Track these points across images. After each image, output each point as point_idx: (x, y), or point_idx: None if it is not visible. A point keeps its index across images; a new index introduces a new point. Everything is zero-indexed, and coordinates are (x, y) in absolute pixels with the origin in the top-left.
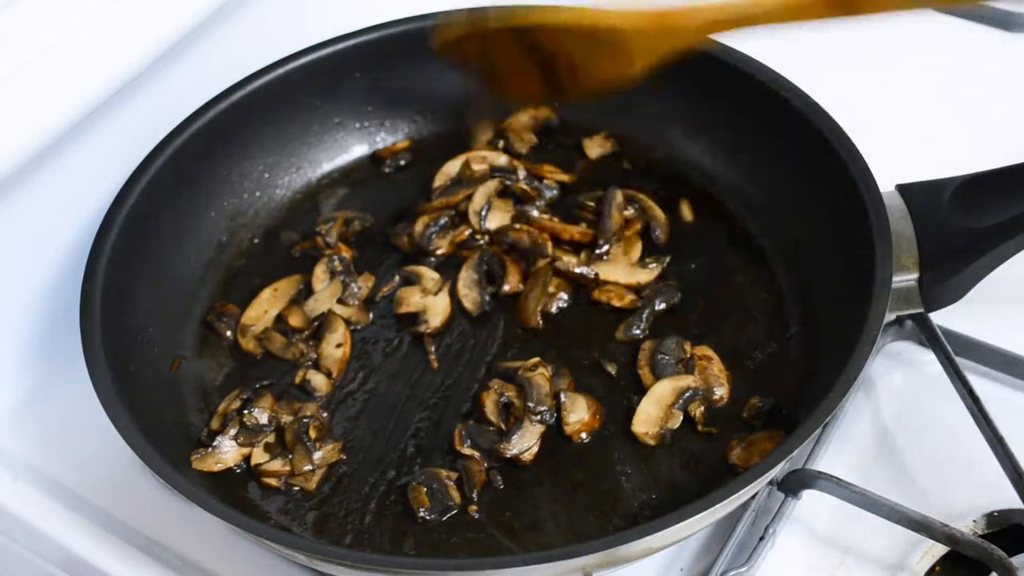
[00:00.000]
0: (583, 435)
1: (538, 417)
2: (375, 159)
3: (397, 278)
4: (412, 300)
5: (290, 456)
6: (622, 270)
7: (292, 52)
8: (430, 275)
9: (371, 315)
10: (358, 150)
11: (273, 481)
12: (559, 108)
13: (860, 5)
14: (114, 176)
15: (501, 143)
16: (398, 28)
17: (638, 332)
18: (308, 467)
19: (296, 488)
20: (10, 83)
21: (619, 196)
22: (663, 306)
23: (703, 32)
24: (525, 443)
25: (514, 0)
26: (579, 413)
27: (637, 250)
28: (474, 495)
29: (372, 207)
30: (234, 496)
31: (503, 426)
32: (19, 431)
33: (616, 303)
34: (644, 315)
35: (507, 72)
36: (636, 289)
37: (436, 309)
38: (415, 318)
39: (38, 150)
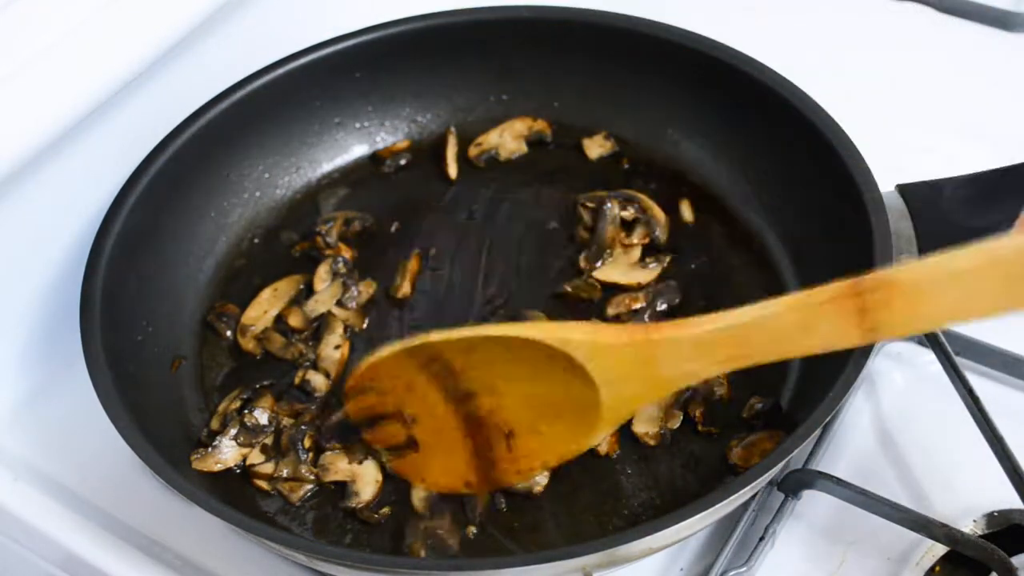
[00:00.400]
0: (609, 451)
1: None
2: (375, 159)
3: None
4: (337, 466)
5: (282, 461)
6: (621, 271)
7: (292, 52)
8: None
9: (367, 321)
10: (358, 150)
11: (263, 484)
12: (557, 111)
13: (892, 318)
14: (114, 176)
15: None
16: (398, 28)
17: None
18: (296, 477)
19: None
20: (10, 83)
21: (615, 209)
22: (664, 306)
23: (695, 363)
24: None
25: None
26: None
27: (637, 250)
28: (476, 516)
29: (372, 207)
30: (234, 496)
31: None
32: (19, 431)
33: (624, 308)
34: (646, 316)
35: (426, 434)
36: (636, 289)
37: (367, 479)
38: (344, 489)
39: (38, 150)
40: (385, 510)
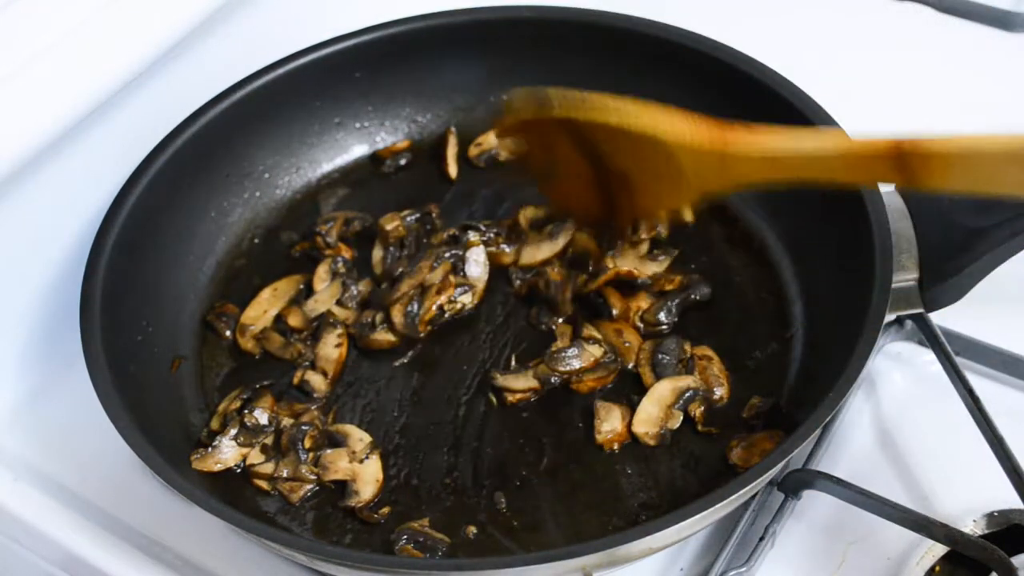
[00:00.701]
0: (615, 446)
1: (549, 375)
2: (375, 159)
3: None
4: (337, 465)
5: (282, 461)
6: (632, 264)
7: (292, 52)
8: (358, 436)
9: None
10: (358, 150)
11: (264, 484)
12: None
13: (926, 178)
14: (114, 176)
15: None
16: (398, 28)
17: (664, 319)
18: (296, 477)
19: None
20: (10, 83)
21: None
22: (696, 298)
23: (759, 173)
24: (518, 384)
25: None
26: (612, 423)
27: (645, 244)
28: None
29: (372, 207)
30: (234, 496)
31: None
32: (19, 431)
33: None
34: (674, 304)
35: (566, 177)
36: (651, 280)
37: (367, 477)
38: (343, 488)
39: (38, 150)
40: (385, 510)
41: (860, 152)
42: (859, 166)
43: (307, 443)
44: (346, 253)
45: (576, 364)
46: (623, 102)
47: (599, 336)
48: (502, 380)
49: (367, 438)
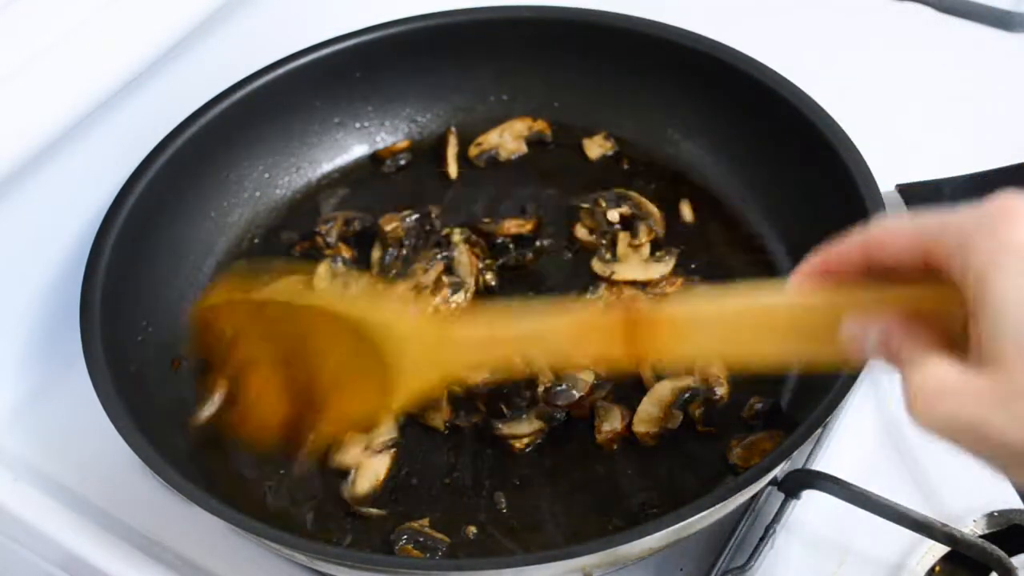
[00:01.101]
0: (615, 445)
1: (551, 412)
2: (375, 159)
3: None
4: (350, 453)
5: None
6: (636, 267)
7: (292, 52)
8: (384, 428)
9: None
10: (358, 150)
11: None
12: (557, 111)
13: (662, 347)
14: (114, 176)
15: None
16: (398, 28)
17: None
18: None
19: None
20: (10, 83)
21: (611, 210)
22: None
23: (480, 354)
24: (522, 429)
25: None
26: (612, 423)
27: (646, 247)
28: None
29: (372, 207)
30: (234, 496)
31: (505, 407)
32: (19, 431)
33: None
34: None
35: (252, 376)
36: (655, 284)
37: (369, 471)
38: (344, 475)
39: (38, 150)
40: (373, 509)
41: (584, 324)
42: (585, 338)
43: None
44: (346, 253)
45: (575, 394)
46: (336, 292)
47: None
48: (505, 429)
49: (393, 434)
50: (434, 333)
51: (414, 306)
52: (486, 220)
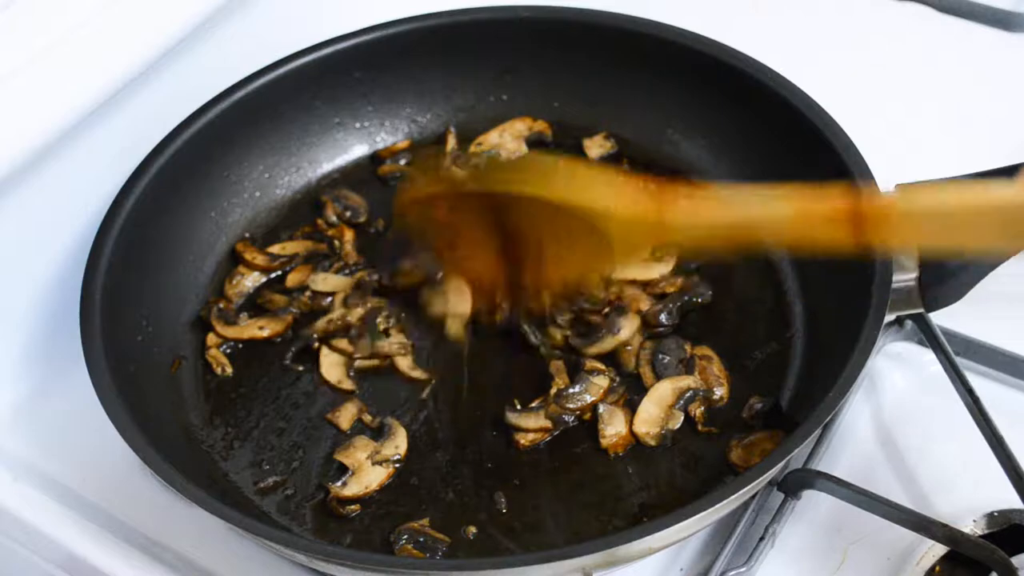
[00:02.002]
0: (619, 450)
1: (562, 415)
2: (375, 159)
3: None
4: (353, 454)
5: None
6: (637, 268)
7: (292, 52)
8: (397, 442)
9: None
10: (358, 150)
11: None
12: (557, 111)
13: (886, 237)
14: (114, 176)
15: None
16: (398, 28)
17: (666, 321)
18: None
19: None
20: (10, 83)
21: None
22: (699, 300)
23: (700, 239)
24: (530, 424)
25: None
26: (616, 427)
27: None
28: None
29: (372, 207)
30: (234, 496)
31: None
32: (19, 431)
33: (643, 306)
34: (675, 307)
35: (469, 248)
36: (655, 283)
37: (363, 478)
38: (341, 471)
39: (38, 150)
40: (355, 507)
41: (811, 213)
42: (810, 228)
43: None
44: (348, 235)
45: (588, 398)
46: (548, 168)
47: (602, 367)
48: (514, 419)
49: (403, 450)
50: (653, 214)
51: (630, 186)
52: None
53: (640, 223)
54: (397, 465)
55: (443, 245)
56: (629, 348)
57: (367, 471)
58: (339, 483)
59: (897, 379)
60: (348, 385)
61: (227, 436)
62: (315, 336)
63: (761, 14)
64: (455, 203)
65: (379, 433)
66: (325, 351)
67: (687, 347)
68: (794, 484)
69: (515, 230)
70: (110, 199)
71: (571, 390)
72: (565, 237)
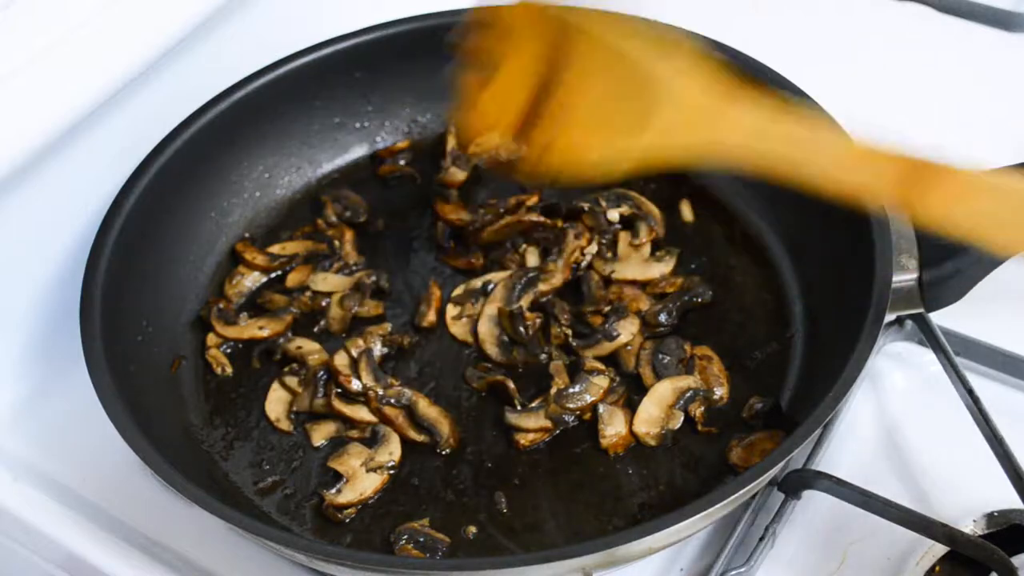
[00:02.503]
0: (620, 449)
1: (562, 415)
2: (375, 159)
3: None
4: (347, 462)
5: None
6: (637, 267)
7: (292, 52)
8: (392, 448)
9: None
10: (358, 150)
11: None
12: None
13: (931, 205)
14: (114, 176)
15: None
16: (398, 28)
17: (665, 321)
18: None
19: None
20: (10, 83)
21: (611, 209)
22: (698, 300)
23: (746, 142)
24: (531, 423)
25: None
26: (616, 427)
27: (647, 247)
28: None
29: (372, 207)
30: (234, 496)
31: (519, 403)
32: (19, 431)
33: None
34: (675, 307)
35: (505, 78)
36: (655, 283)
37: (357, 485)
38: (336, 478)
39: (38, 150)
40: (351, 510)
41: (865, 153)
42: (859, 167)
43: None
44: (348, 235)
45: (588, 398)
46: (634, 27)
47: (602, 368)
48: (514, 419)
49: (396, 456)
50: (709, 97)
51: (706, 72)
52: None
53: (698, 108)
54: (391, 472)
55: (483, 63)
56: (629, 348)
57: (361, 478)
58: (333, 490)
59: (897, 379)
60: (285, 426)
61: (227, 436)
62: (280, 351)
63: (761, 14)
64: (523, 23)
65: (373, 440)
66: (275, 386)
67: (687, 347)
68: (794, 484)
69: (564, 71)
70: (110, 199)
71: (571, 390)
72: (612, 88)
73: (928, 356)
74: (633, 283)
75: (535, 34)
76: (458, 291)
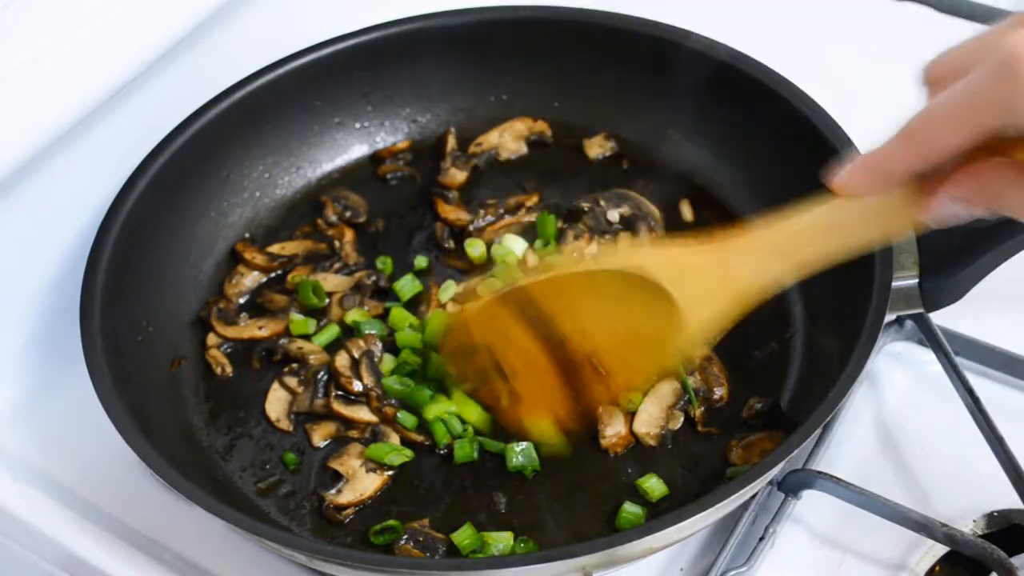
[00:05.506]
0: (620, 449)
1: None
2: (375, 159)
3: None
4: (347, 462)
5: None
6: None
7: (292, 52)
8: (391, 448)
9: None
10: (358, 150)
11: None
12: (557, 111)
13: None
14: (114, 176)
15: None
16: (398, 28)
17: None
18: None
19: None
20: (10, 82)
21: (610, 209)
22: None
23: (770, 265)
24: None
25: None
26: (616, 426)
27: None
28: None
29: (372, 207)
30: (234, 496)
31: None
32: (19, 431)
33: None
34: None
35: (526, 378)
36: None
37: (357, 486)
38: (336, 478)
39: (38, 150)
40: (350, 511)
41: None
42: (877, 213)
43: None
44: (348, 235)
45: None
46: (592, 260)
47: None
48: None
49: (398, 461)
50: (711, 259)
51: (680, 245)
52: None
53: (699, 269)
54: (391, 472)
55: (493, 381)
56: None
57: (361, 478)
58: (333, 491)
59: (897, 379)
60: (285, 426)
61: (227, 436)
62: (281, 351)
63: (761, 14)
64: (499, 323)
65: (373, 440)
66: (275, 386)
67: None
68: (794, 484)
69: (572, 340)
70: (110, 199)
71: None
72: (628, 321)
73: (928, 356)
74: None
75: (507, 327)
76: (458, 291)
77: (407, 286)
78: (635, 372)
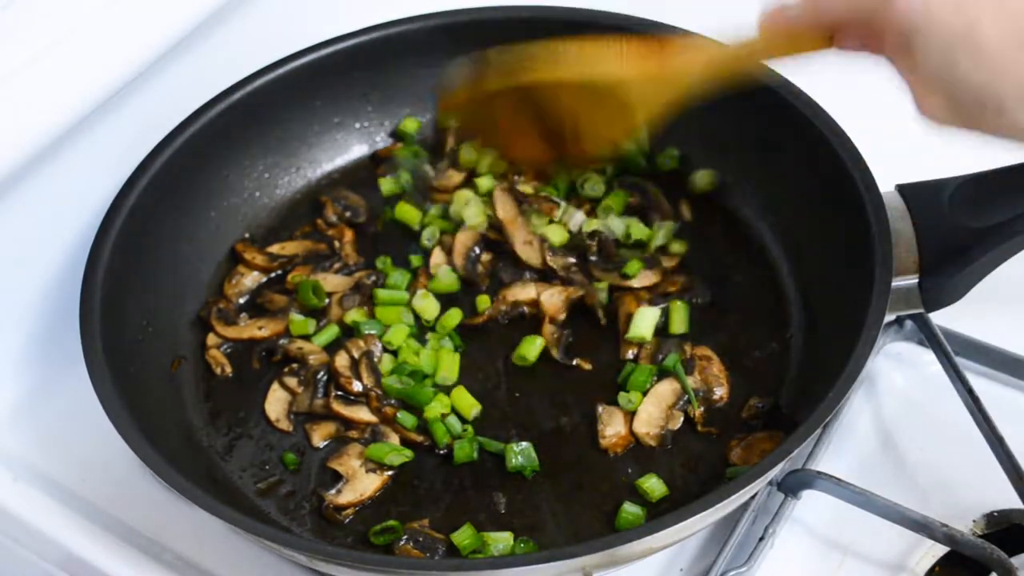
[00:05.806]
0: (619, 449)
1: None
2: (375, 159)
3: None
4: (347, 462)
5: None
6: (636, 277)
7: (292, 52)
8: (391, 448)
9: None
10: (358, 150)
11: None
12: None
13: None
14: (114, 176)
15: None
16: (398, 28)
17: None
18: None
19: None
20: (10, 83)
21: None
22: (697, 301)
23: (701, 78)
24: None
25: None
26: (616, 426)
27: (654, 240)
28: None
29: (372, 207)
30: (234, 496)
31: None
32: (19, 431)
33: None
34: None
35: (513, 136)
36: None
37: (357, 486)
38: (335, 478)
39: (38, 150)
40: (350, 511)
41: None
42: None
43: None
44: (348, 235)
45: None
46: (555, 53)
47: None
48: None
49: (398, 461)
50: (658, 70)
51: (633, 53)
52: None
53: (649, 80)
54: (391, 472)
55: (491, 134)
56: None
57: (361, 478)
58: (333, 491)
59: (897, 379)
60: (285, 426)
61: (227, 436)
62: (280, 351)
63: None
64: (493, 100)
65: (373, 440)
66: (275, 386)
67: (687, 347)
68: (794, 484)
69: (550, 112)
70: (110, 199)
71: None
72: (592, 108)
73: (928, 356)
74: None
75: (495, 99)
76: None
77: (400, 279)
78: (602, 140)
